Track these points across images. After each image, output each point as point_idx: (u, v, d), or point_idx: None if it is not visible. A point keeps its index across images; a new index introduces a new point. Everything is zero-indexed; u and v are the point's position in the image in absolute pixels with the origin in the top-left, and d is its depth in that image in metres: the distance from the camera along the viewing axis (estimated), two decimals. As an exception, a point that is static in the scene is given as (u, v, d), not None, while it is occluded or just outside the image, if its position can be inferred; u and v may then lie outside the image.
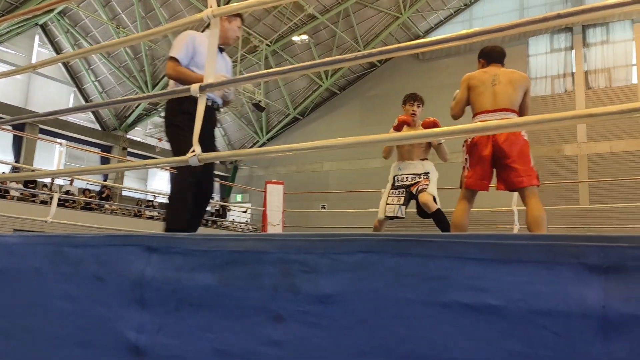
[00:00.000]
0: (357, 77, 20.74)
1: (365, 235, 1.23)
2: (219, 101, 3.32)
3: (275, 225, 8.50)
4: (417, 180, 4.26)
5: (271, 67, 19.20)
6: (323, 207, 18.97)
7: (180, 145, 2.97)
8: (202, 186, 3.22)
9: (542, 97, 17.26)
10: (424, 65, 19.42)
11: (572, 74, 16.87)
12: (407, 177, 4.31)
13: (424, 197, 4.08)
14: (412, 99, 4.67)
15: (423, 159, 4.40)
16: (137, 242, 1.58)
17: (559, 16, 1.75)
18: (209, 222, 17.69)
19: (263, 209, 8.83)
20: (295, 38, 18.62)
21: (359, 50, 19.27)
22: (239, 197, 21.09)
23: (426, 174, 4.31)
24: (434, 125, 4.18)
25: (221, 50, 3.34)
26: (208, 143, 3.07)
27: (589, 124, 15.82)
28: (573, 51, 16.86)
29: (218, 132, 21.84)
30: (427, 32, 19.93)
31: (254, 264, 1.35)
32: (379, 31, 19.16)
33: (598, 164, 15.62)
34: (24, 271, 1.78)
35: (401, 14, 18.51)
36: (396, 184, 4.36)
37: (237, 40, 3.51)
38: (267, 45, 18.41)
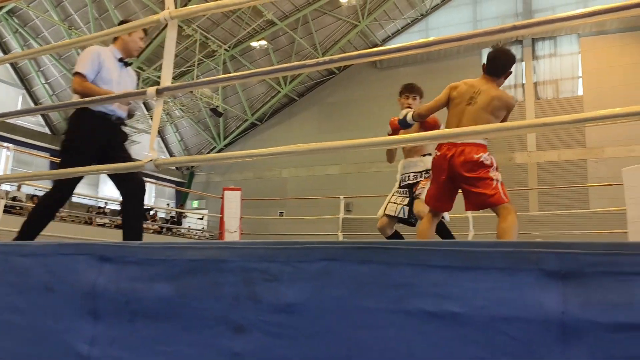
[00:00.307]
0: (315, 84, 20.82)
1: (327, 243, 1.22)
2: (124, 115, 3.30)
3: (232, 233, 8.39)
4: (418, 179, 3.95)
5: (229, 72, 19.04)
6: (281, 213, 18.89)
7: (69, 158, 2.96)
8: (131, 200, 3.16)
9: (495, 107, 17.77)
10: (382, 74, 19.71)
11: (523, 84, 17.49)
12: (409, 176, 4.01)
13: (417, 206, 3.77)
14: (406, 90, 4.10)
15: (424, 155, 4.00)
16: (89, 251, 1.51)
17: (514, 27, 1.80)
18: (164, 230, 17.31)
19: (220, 215, 8.69)
20: (254, 44, 18.54)
21: (317, 57, 19.38)
22: (195, 204, 20.74)
23: (427, 171, 3.85)
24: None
25: (126, 64, 3.34)
26: (118, 156, 3.11)
27: (539, 133, 16.43)
28: (523, 63, 17.48)
29: (174, 137, 21.42)
30: (385, 41, 20.24)
31: (213, 273, 1.31)
32: (338, 39, 19.31)
33: (547, 171, 16.21)
34: (-35, 282, 1.67)
35: (359, 22, 18.73)
36: (402, 183, 4.08)
37: (140, 51, 3.44)
38: (226, 50, 18.25)
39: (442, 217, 3.59)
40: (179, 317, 1.32)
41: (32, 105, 17.24)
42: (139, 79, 17.19)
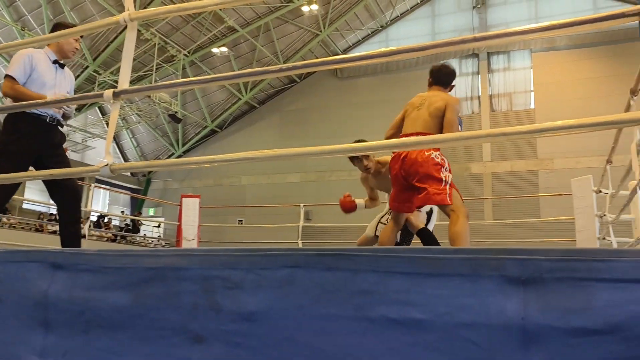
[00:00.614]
0: (276, 92, 20.80)
1: (291, 250, 1.20)
2: (58, 116, 3.26)
3: (190, 241, 8.23)
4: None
5: (188, 77, 18.78)
6: (240, 221, 18.69)
7: (2, 163, 2.92)
8: (66, 208, 3.18)
9: (452, 118, 18.23)
10: (343, 83, 19.89)
11: (479, 97, 17.99)
12: None
13: (411, 220, 3.62)
14: (354, 158, 3.90)
15: None
16: (40, 259, 1.45)
17: (474, 39, 1.85)
18: (118, 238, 16.83)
19: (178, 223, 8.52)
20: (215, 50, 18.38)
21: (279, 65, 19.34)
22: (151, 211, 20.28)
23: None
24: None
25: (62, 65, 3.30)
26: (54, 160, 3.11)
27: (493, 144, 16.92)
28: (479, 76, 18.00)
29: (130, 143, 20.92)
30: (346, 51, 20.44)
31: (172, 281, 1.27)
32: (299, 47, 19.37)
33: (501, 181, 16.69)
34: None
35: (321, 31, 18.85)
36: None
37: (76, 52, 3.38)
38: (185, 55, 18.00)
39: (426, 225, 3.71)
40: (135, 327, 1.27)
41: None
42: (94, 82, 16.74)
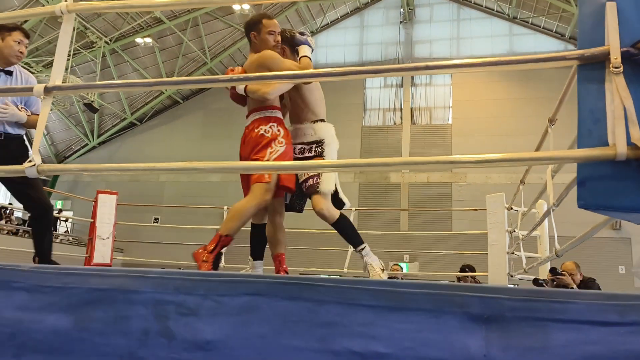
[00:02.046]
0: (200, 89, 20.31)
1: (252, 277, 1.17)
2: (8, 129, 3.18)
3: (105, 239, 7.82)
4: (306, 154, 3.01)
5: (108, 66, 17.88)
6: (156, 220, 18.03)
7: None
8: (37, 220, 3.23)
9: (375, 127, 18.75)
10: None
11: (401, 109, 18.62)
12: (294, 149, 2.99)
13: (317, 204, 2.84)
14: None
15: (316, 120, 3.07)
16: (-37, 274, 1.31)
17: (427, 67, 1.91)
18: (20, 231, 15.65)
19: (92, 220, 8.06)
20: (139, 40, 17.64)
21: (205, 61, 18.95)
22: (59, 204, 19.04)
23: (320, 144, 3.02)
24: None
25: (8, 72, 3.10)
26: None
27: (412, 155, 17.57)
28: (402, 89, 18.64)
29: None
30: (274, 53, 20.37)
31: (120, 304, 1.20)
32: (228, 45, 19.07)
33: (416, 192, 17.37)
34: None
35: (251, 31, 18.66)
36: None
37: (22, 57, 3.16)
38: (106, 42, 17.13)
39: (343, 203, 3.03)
40: (76, 353, 1.18)
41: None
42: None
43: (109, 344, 1.18)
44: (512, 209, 6.37)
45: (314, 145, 3.03)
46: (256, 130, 2.80)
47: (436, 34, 18.83)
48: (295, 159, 3.00)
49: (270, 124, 2.82)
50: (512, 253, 6.33)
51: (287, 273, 3.05)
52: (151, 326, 1.17)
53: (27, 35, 3.16)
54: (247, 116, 2.96)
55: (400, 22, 19.12)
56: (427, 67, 1.90)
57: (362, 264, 2.99)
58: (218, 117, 19.62)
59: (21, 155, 3.06)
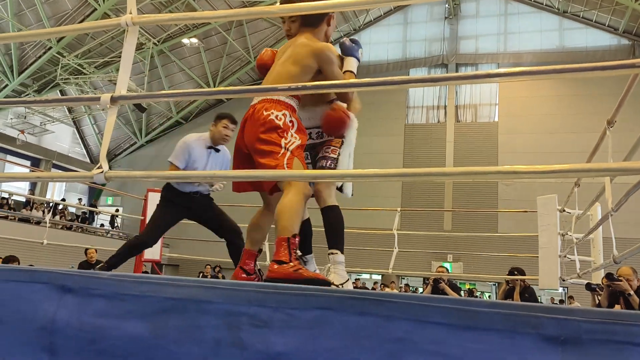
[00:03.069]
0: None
1: (323, 291, 1.20)
2: (201, 189, 3.92)
3: (155, 236, 8.04)
4: (324, 138, 2.78)
5: (156, 67, 18.36)
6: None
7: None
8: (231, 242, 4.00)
9: (418, 125, 18.54)
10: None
11: (445, 106, 18.34)
12: (310, 133, 2.75)
13: (320, 183, 2.67)
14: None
15: (331, 101, 2.76)
16: (47, 280, 1.39)
17: (432, 79, 1.88)
18: (73, 226, 16.31)
19: (142, 217, 8.30)
20: (185, 40, 18.04)
21: (249, 60, 19.20)
22: (110, 200, 19.72)
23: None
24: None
25: (217, 150, 3.85)
26: (206, 212, 4.01)
27: (457, 152, 17.26)
28: (447, 86, 18.35)
29: (92, 129, 20.36)
30: (317, 51, 20.44)
31: (194, 313, 1.24)
32: (271, 44, 19.23)
33: (461, 191, 17.07)
34: None
35: (294, 30, 18.78)
36: None
37: (228, 140, 3.80)
38: (155, 44, 17.59)
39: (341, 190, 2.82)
40: (153, 359, 1.24)
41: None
42: (57, 64, 16.13)
43: (183, 352, 1.22)
44: (564, 211, 6.19)
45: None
46: (266, 113, 2.42)
47: (482, 29, 18.44)
48: (313, 144, 2.78)
49: (284, 111, 2.45)
50: (565, 256, 6.15)
51: (249, 273, 2.61)
52: (223, 336, 1.21)
53: (234, 122, 3.78)
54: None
55: (445, 17, 18.81)
56: (475, 77, 1.85)
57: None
58: (261, 115, 19.85)
59: (209, 204, 4.08)
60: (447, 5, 18.50)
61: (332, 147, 2.74)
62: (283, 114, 2.43)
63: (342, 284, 2.42)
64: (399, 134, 18.39)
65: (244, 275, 2.59)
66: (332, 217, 2.64)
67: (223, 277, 11.25)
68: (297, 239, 2.29)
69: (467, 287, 14.62)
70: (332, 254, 2.52)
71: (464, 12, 18.78)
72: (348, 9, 2.43)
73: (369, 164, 16.63)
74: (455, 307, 1.07)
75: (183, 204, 3.95)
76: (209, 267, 11.27)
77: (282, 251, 2.23)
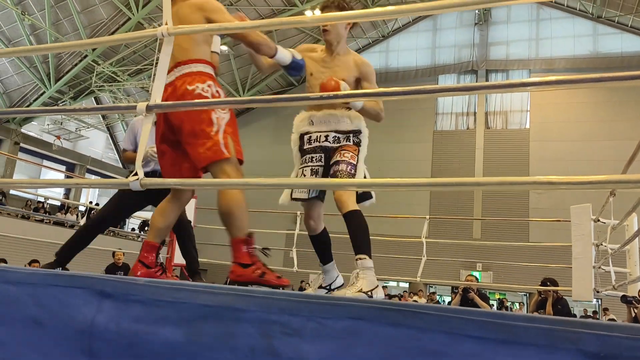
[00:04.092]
0: (273, 94, 20.75)
1: (356, 301, 1.20)
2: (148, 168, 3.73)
3: (184, 241, 8.15)
4: (342, 143, 2.75)
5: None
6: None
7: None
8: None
9: (447, 132, 18.37)
10: (340, 90, 19.92)
11: (474, 113, 18.13)
12: (327, 137, 2.75)
13: (338, 192, 2.57)
14: None
15: (348, 108, 2.76)
16: (86, 285, 1.42)
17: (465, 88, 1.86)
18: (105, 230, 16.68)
19: (172, 222, 8.43)
20: (215, 48, 18.31)
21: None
22: (141, 205, 20.08)
23: (356, 133, 2.79)
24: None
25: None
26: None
27: (486, 159, 17.02)
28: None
29: (124, 134, 20.97)
30: (346, 58, 20.48)
31: (228, 321, 1.26)
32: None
33: (491, 199, 16.81)
34: (-64, 308, 1.53)
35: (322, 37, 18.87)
36: (305, 146, 2.81)
37: None
38: (185, 51, 17.90)
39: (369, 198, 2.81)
40: (188, 365, 1.26)
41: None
42: (92, 72, 16.55)
43: (219, 359, 1.24)
44: (599, 220, 6.04)
45: (351, 134, 2.77)
46: (190, 87, 2.28)
47: (513, 35, 18.20)
48: (328, 147, 2.76)
49: (208, 81, 2.33)
50: (599, 268, 6.00)
51: (149, 267, 2.48)
52: (257, 344, 1.22)
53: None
54: (169, 71, 2.32)
55: (475, 23, 18.64)
56: (505, 86, 1.84)
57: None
58: (288, 122, 19.85)
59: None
60: (477, 12, 18.33)
61: (350, 153, 2.73)
62: (208, 85, 2.32)
63: (371, 290, 2.36)
64: (428, 141, 18.25)
65: (144, 270, 2.45)
66: (356, 222, 2.56)
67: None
68: (253, 238, 2.28)
69: (497, 297, 14.37)
70: (360, 259, 2.45)
71: (495, 18, 18.58)
72: (376, 18, 2.44)
73: (397, 171, 16.55)
74: (493, 320, 1.06)
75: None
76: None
77: (241, 253, 2.22)
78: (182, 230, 4.16)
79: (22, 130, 17.41)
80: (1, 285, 1.49)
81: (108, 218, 3.86)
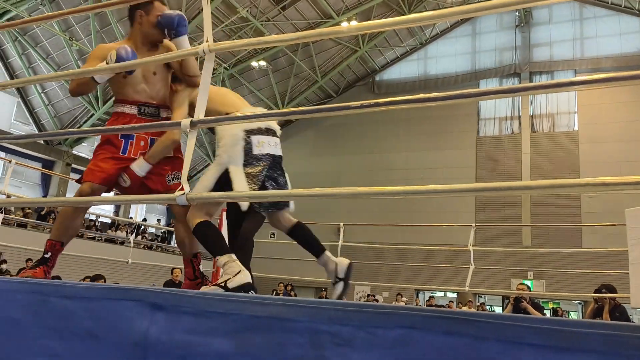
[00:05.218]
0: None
1: (406, 309, 1.18)
2: None
3: (230, 255, 8.27)
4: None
5: (228, 91, 19.04)
6: (272, 235, 18.71)
7: None
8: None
9: (491, 137, 17.98)
10: (379, 99, 19.84)
11: (519, 117, 17.69)
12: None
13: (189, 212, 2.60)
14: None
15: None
16: (139, 297, 1.46)
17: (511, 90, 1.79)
18: (153, 246, 17.11)
19: (218, 236, 8.57)
20: (254, 63, 18.63)
21: (315, 80, 19.49)
22: (186, 220, 20.49)
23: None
24: None
25: None
26: None
27: (534, 162, 16.54)
28: (520, 96, 17.73)
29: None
30: (384, 67, 20.45)
31: (277, 332, 1.26)
32: (337, 63, 19.47)
33: (540, 204, 16.29)
34: (-1, 322, 1.60)
35: (360, 47, 18.92)
36: (255, 150, 2.59)
37: None
38: (225, 68, 18.30)
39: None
40: (239, 376, 1.26)
41: (27, 114, 17.05)
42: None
43: (269, 370, 1.24)
44: (657, 223, 5.75)
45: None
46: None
47: (557, 36, 17.72)
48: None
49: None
50: (659, 273, 5.70)
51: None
52: (307, 354, 1.21)
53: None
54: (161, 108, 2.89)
55: (516, 25, 18.27)
56: (550, 86, 1.77)
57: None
58: (328, 134, 20.03)
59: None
60: (517, 13, 17.96)
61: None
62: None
63: (225, 281, 2.38)
64: (470, 147, 17.91)
65: (186, 282, 2.83)
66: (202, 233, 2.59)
67: (295, 295, 11.38)
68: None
69: (551, 306, 13.87)
70: (216, 260, 2.52)
71: (536, 19, 18.15)
72: (420, 23, 2.42)
73: (440, 179, 16.29)
74: (551, 327, 1.02)
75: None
76: (281, 285, 11.42)
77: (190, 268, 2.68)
78: (238, 247, 4.04)
79: (74, 151, 18.14)
80: (58, 299, 1.54)
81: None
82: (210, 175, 2.57)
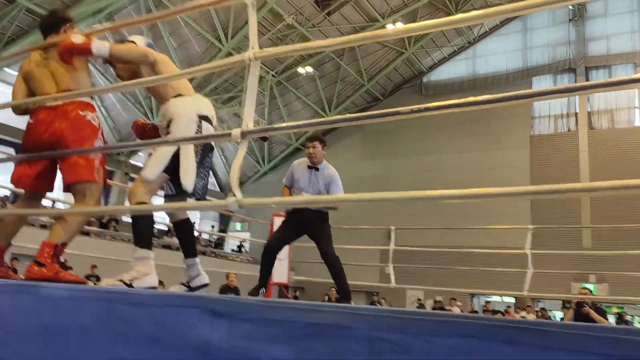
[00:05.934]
0: (359, 111, 20.87)
1: (465, 318, 1.16)
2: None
3: (282, 260, 8.35)
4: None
5: (276, 98, 19.32)
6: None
7: None
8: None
9: (546, 136, 17.40)
10: (427, 101, 19.49)
11: (576, 114, 17.05)
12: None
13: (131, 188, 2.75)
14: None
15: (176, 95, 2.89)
16: (199, 304, 1.50)
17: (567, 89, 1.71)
18: (207, 252, 17.53)
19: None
20: (301, 70, 18.81)
21: (362, 84, 19.46)
22: (238, 226, 20.92)
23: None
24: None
25: (317, 169, 4.37)
26: None
27: (593, 158, 15.85)
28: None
29: (220, 159, 21.65)
30: (431, 68, 20.19)
31: (336, 339, 1.27)
32: (384, 65, 19.38)
33: (600, 203, 15.59)
34: (70, 329, 1.68)
35: (406, 49, 18.76)
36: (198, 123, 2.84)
37: (313, 158, 4.38)
38: (273, 76, 18.57)
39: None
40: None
41: None
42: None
43: (328, 377, 1.25)
44: None
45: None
46: (82, 113, 2.57)
47: (613, 28, 16.97)
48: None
49: (95, 113, 2.67)
50: None
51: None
52: (366, 362, 1.21)
53: (312, 140, 4.38)
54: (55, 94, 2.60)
55: (570, 20, 17.63)
56: (610, 84, 1.69)
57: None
58: (376, 138, 19.92)
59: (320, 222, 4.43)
60: (570, 7, 17.34)
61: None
62: (96, 116, 2.65)
63: (131, 280, 2.48)
64: (524, 147, 17.38)
65: None
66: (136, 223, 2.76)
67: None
68: (63, 248, 2.48)
69: (615, 310, 13.22)
70: (135, 250, 2.67)
71: (591, 12, 17.45)
72: (467, 23, 2.38)
73: (493, 180, 15.90)
74: (622, 337, 0.98)
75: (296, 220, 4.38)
76: (333, 289, 11.43)
77: (45, 254, 2.37)
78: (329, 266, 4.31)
79: (131, 161, 18.87)
80: (124, 306, 1.61)
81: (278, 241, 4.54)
82: (165, 155, 2.71)
